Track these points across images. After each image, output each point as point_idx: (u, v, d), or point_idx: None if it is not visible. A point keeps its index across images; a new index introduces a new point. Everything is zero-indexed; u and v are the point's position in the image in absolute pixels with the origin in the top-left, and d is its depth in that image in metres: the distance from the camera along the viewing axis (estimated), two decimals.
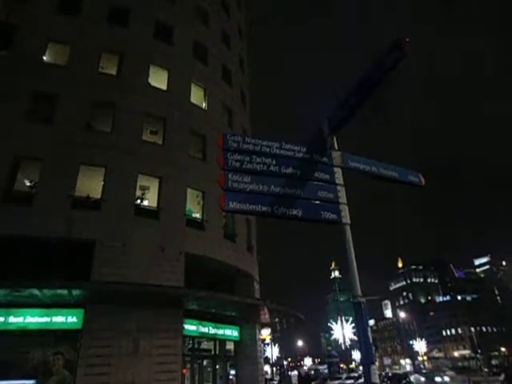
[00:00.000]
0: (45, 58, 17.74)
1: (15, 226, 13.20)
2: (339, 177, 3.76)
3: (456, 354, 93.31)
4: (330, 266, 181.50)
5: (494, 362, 73.61)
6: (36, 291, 11.81)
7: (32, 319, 12.71)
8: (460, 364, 76.89)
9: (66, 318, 13.04)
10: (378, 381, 3.01)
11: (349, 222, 3.53)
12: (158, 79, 19.41)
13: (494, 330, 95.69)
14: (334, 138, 3.88)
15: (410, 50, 3.00)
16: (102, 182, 15.68)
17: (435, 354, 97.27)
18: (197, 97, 20.98)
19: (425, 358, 77.44)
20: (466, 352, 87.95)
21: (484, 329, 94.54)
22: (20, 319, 12.63)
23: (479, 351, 74.36)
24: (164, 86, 19.44)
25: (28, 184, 15.68)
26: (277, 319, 21.30)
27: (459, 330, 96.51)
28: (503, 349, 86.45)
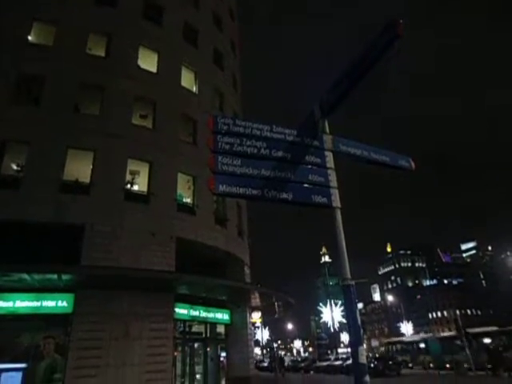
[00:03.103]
0: (30, 37, 17.22)
1: (2, 210, 13.01)
2: (330, 160, 3.74)
3: (441, 335, 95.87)
4: (320, 250, 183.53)
5: None
6: (25, 276, 11.73)
7: (22, 304, 12.67)
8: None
9: (57, 303, 13.02)
10: (365, 361, 3.06)
11: (339, 205, 3.53)
12: (148, 62, 19.02)
13: (479, 312, 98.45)
14: (326, 122, 3.85)
15: (404, 32, 2.96)
16: (91, 166, 15.48)
17: (421, 335, 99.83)
18: (187, 80, 20.65)
19: None
20: (451, 334, 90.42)
21: (469, 311, 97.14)
22: (10, 304, 12.59)
23: (464, 333, 76.49)
24: (154, 69, 19.07)
25: (15, 168, 15.41)
26: (269, 303, 21.57)
27: (445, 313, 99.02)
28: None
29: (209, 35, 23.32)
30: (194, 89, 20.96)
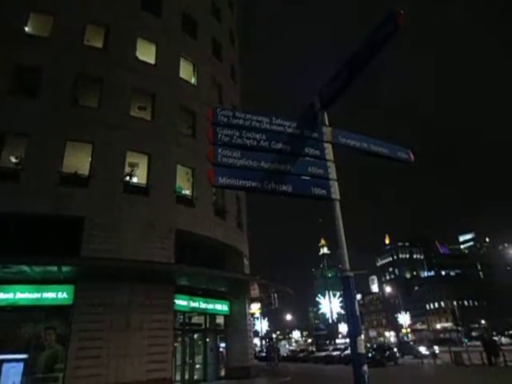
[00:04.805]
0: (27, 29, 17.04)
1: (2, 203, 13.01)
2: (329, 152, 3.75)
3: (438, 326, 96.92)
4: (319, 242, 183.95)
5: (474, 333, 76.53)
6: (25, 268, 11.79)
7: (22, 295, 12.74)
8: (442, 336, 79.96)
9: (57, 294, 13.09)
10: (364, 351, 3.10)
11: (338, 197, 3.54)
12: (146, 53, 18.87)
13: (476, 303, 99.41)
14: (325, 114, 3.85)
15: (404, 23, 2.94)
16: (90, 159, 15.45)
17: (418, 326, 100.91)
18: (186, 72, 20.51)
19: (408, 330, 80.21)
20: (448, 324, 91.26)
21: (466, 303, 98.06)
22: (10, 295, 12.66)
23: (460, 324, 77.23)
24: (152, 61, 18.93)
25: (14, 160, 15.36)
26: (266, 294, 21.72)
27: (442, 304, 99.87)
28: (483, 321, 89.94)
29: (207, 26, 23.11)
30: (193, 80, 20.83)
